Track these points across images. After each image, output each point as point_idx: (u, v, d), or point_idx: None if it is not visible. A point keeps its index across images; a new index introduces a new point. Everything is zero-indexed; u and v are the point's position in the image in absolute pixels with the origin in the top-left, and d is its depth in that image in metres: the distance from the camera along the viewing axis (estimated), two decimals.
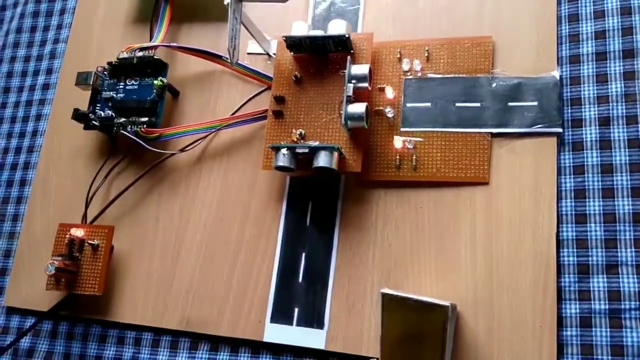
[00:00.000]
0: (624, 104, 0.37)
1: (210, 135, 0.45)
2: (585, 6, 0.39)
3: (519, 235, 0.36)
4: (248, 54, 0.47)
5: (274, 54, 0.45)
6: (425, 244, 0.38)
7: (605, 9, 0.39)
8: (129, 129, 0.45)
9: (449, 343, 0.33)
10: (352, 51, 0.41)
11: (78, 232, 0.43)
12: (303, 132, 0.41)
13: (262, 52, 0.46)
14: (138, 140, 0.44)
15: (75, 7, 0.55)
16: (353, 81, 0.39)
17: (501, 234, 0.37)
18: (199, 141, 0.45)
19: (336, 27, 0.40)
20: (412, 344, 0.33)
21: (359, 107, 0.38)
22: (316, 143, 0.39)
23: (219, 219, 0.43)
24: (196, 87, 0.48)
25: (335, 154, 0.38)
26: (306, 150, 0.38)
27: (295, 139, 0.40)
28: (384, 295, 0.34)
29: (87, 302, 0.44)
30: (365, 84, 0.39)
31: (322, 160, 0.38)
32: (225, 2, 0.39)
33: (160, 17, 0.48)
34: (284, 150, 0.39)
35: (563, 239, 0.36)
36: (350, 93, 0.38)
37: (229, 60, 0.39)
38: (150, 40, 0.48)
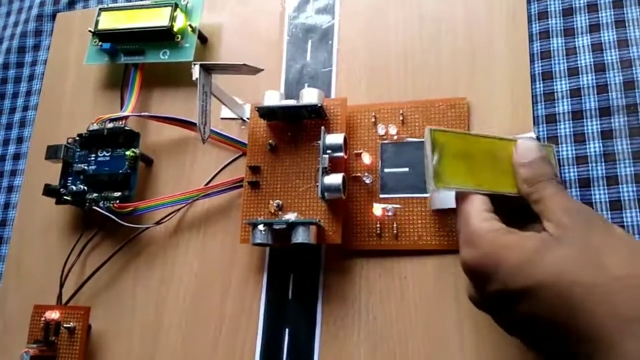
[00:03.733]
0: (603, 164, 0.36)
1: (186, 206, 0.44)
2: (559, 63, 0.39)
3: None
4: (221, 119, 0.46)
5: (248, 118, 0.44)
6: (412, 315, 0.37)
7: (579, 66, 0.38)
8: (101, 205, 0.43)
9: None
10: (326, 118, 0.40)
11: (53, 315, 0.42)
12: (280, 202, 0.40)
13: (236, 117, 0.45)
14: (111, 216, 0.43)
15: (44, 72, 0.54)
16: (328, 151, 0.38)
17: None
18: (175, 213, 0.43)
19: (308, 96, 0.39)
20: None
21: (335, 179, 0.37)
22: (294, 216, 0.38)
23: (198, 294, 0.42)
24: (170, 155, 0.47)
25: (314, 228, 0.37)
26: (284, 226, 0.37)
27: (272, 211, 0.39)
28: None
29: None
30: (341, 154, 0.38)
31: (301, 236, 0.37)
32: (194, 78, 0.38)
33: (130, 85, 0.47)
34: (261, 227, 0.38)
35: None
36: (326, 165, 0.37)
37: (200, 137, 0.38)
38: (122, 107, 0.47)
